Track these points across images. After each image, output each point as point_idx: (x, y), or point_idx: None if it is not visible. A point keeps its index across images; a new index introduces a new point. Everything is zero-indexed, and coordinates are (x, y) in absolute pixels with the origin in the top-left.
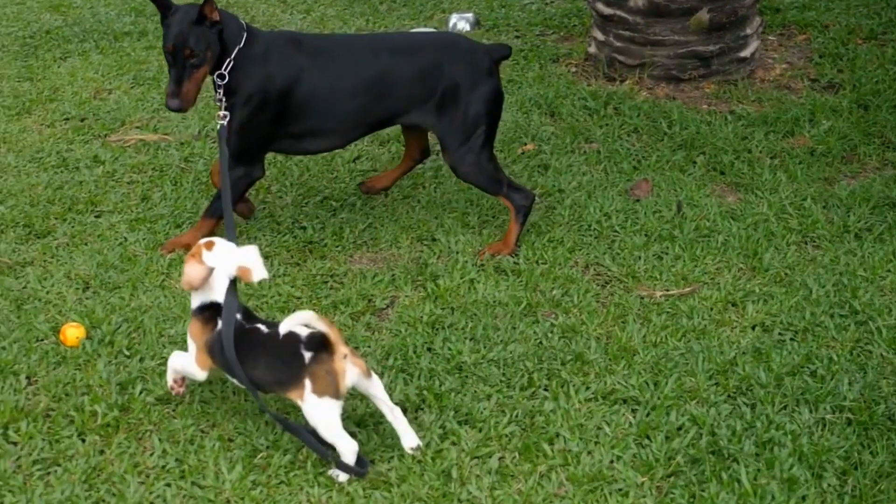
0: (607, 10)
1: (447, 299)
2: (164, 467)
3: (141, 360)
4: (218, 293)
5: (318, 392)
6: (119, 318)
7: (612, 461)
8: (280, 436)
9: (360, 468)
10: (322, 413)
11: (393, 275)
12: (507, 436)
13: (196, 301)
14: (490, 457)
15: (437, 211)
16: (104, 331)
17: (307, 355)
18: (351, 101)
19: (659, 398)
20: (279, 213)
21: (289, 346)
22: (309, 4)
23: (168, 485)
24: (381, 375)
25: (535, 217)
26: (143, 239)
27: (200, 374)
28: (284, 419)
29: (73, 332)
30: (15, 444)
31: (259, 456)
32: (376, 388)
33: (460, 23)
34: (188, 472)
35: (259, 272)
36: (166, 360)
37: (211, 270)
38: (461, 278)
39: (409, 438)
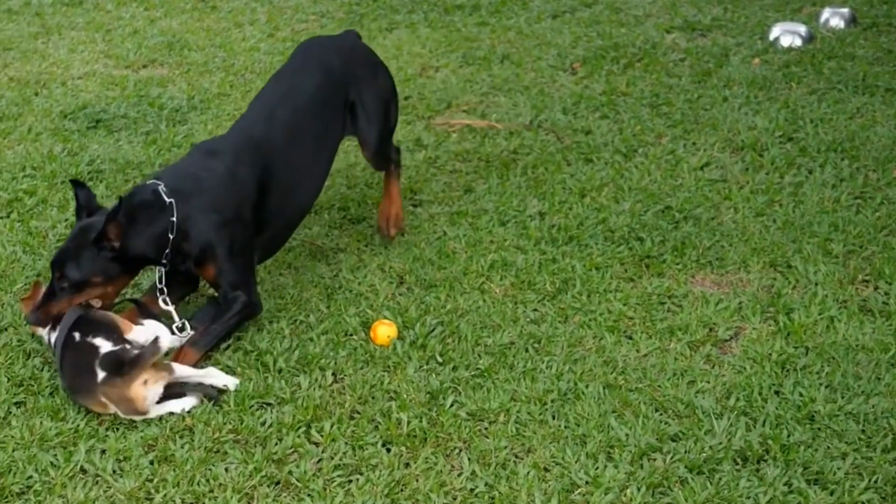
0: None
1: (801, 337)
2: (472, 490)
3: (454, 368)
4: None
5: (124, 412)
6: (434, 320)
7: None
8: (602, 471)
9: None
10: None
11: (739, 302)
12: (863, 503)
13: None
14: None
15: (794, 233)
16: (417, 332)
17: (100, 374)
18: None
19: None
20: (613, 220)
21: (88, 357)
22: None
23: None
24: (719, 416)
25: None
26: (464, 235)
27: None
28: None
29: (384, 331)
30: (317, 444)
31: (577, 491)
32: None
33: (833, 19)
34: (498, 500)
35: None
36: (482, 371)
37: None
38: (819, 314)
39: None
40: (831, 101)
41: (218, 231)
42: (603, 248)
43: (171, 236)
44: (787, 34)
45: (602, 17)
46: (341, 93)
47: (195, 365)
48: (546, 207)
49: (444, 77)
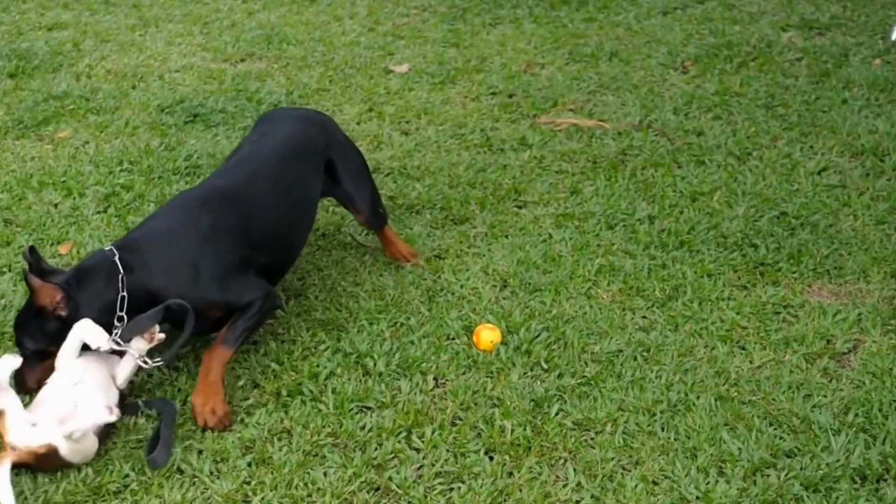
0: None
1: None
2: (577, 502)
3: (560, 376)
4: None
5: None
6: (538, 326)
7: None
8: (713, 486)
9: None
10: None
11: (859, 314)
12: None
13: None
14: None
15: None
16: (521, 338)
17: None
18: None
19: None
20: (726, 225)
21: None
22: None
23: None
24: (836, 432)
25: None
26: (570, 238)
27: None
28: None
29: (487, 335)
30: (417, 450)
31: None
32: None
33: None
34: None
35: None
36: (588, 379)
37: None
38: None
39: None
40: None
41: (206, 288)
42: (715, 254)
43: (122, 295)
44: None
45: (714, 13)
46: (318, 151)
47: (229, 361)
48: (656, 211)
49: (550, 74)
